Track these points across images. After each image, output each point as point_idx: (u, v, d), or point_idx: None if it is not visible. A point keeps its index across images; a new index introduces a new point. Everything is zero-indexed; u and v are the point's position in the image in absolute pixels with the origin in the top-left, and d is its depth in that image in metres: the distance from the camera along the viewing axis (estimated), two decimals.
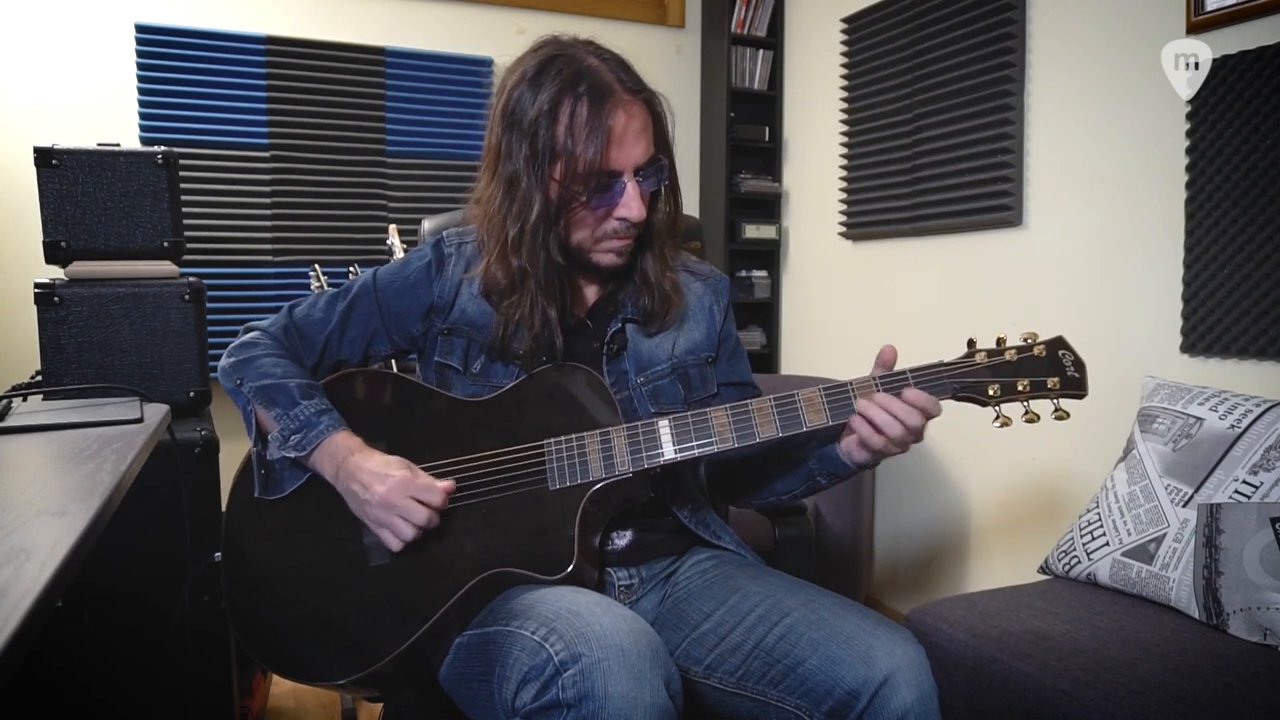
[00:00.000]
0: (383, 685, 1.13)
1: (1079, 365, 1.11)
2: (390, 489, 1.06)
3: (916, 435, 1.08)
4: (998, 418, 1.10)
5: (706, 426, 1.10)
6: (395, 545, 1.08)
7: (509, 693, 0.94)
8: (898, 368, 1.11)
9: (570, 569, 1.05)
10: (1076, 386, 1.10)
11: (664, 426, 1.10)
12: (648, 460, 1.09)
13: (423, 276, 1.25)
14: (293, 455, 1.12)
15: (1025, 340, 1.11)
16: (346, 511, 1.13)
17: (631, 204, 1.13)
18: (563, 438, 1.12)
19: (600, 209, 1.14)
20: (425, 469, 1.13)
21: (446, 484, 1.08)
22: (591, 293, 1.27)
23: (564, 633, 0.92)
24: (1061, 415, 1.09)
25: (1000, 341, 1.12)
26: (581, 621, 0.92)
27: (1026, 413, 1.10)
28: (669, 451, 1.09)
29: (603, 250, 1.18)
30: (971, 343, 1.13)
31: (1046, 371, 1.10)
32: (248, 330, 1.25)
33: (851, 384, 1.10)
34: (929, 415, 1.07)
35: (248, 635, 1.12)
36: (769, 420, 1.10)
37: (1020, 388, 1.09)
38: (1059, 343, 1.11)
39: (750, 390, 1.32)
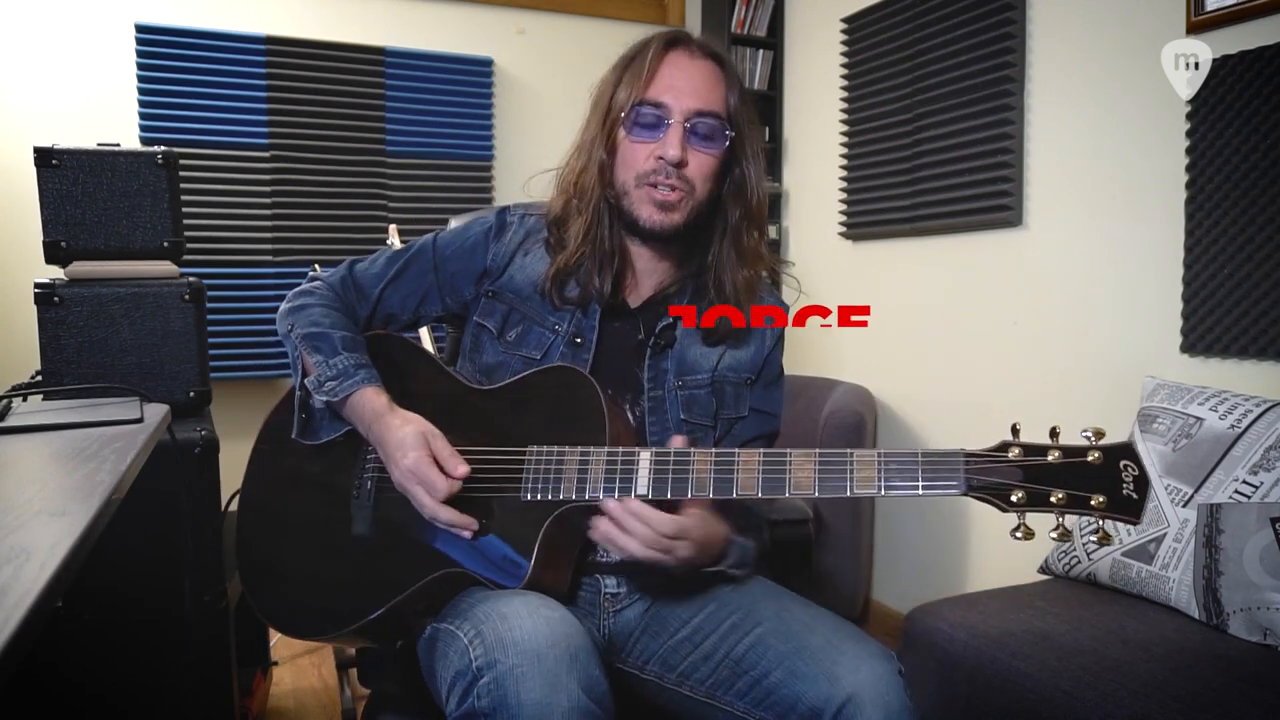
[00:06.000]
0: (376, 636, 1.19)
1: (1141, 483, 0.85)
2: (403, 473, 1.07)
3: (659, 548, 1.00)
4: (1019, 527, 0.87)
5: (686, 472, 1.00)
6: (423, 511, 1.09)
7: (444, 693, 0.95)
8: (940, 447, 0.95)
9: (523, 584, 1.03)
10: (1129, 511, 0.85)
11: (644, 460, 1.02)
12: (619, 491, 1.02)
13: (481, 240, 1.26)
14: (323, 399, 1.14)
15: (1086, 438, 0.88)
16: (351, 475, 1.18)
17: (671, 142, 1.12)
18: (545, 448, 1.07)
19: (641, 141, 1.15)
20: None
21: (450, 483, 1.05)
22: (646, 275, 1.24)
23: (486, 637, 0.92)
24: (1104, 539, 0.88)
25: (1054, 433, 0.90)
26: (505, 625, 0.92)
27: (1057, 527, 0.87)
28: (642, 486, 1.01)
29: (643, 200, 1.15)
30: (1015, 430, 0.90)
31: (1094, 486, 0.86)
32: (310, 279, 1.28)
33: (852, 454, 0.96)
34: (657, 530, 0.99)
35: (248, 572, 1.20)
36: (752, 478, 0.98)
37: (1054, 500, 0.86)
38: (1124, 450, 0.86)
39: (771, 421, 1.29)
